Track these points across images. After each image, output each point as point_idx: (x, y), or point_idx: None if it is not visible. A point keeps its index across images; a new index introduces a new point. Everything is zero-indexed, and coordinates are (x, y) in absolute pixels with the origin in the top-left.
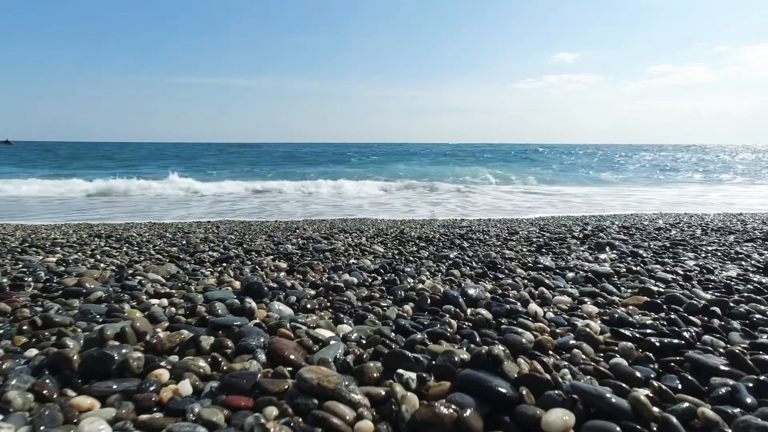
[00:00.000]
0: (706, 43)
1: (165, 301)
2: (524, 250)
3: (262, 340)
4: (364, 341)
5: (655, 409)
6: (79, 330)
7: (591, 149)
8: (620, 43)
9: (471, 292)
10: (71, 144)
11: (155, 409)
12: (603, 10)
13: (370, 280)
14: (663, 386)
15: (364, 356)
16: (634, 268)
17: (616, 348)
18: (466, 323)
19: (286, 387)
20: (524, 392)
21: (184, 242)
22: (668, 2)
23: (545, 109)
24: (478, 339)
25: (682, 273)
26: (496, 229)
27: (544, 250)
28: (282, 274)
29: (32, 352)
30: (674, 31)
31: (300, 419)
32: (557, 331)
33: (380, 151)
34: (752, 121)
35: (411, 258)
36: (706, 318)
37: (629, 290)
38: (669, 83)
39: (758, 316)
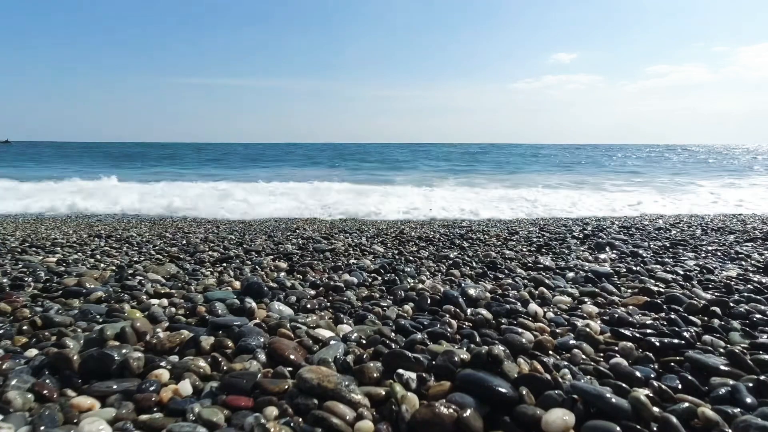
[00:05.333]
0: (704, 44)
1: (165, 301)
2: (524, 250)
3: (262, 340)
4: (364, 341)
5: (655, 409)
6: (79, 330)
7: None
8: (618, 44)
9: (471, 292)
10: (79, 144)
11: (155, 409)
12: (600, 10)
13: (370, 280)
14: (663, 386)
15: (364, 356)
16: (634, 268)
17: (616, 348)
18: (466, 323)
19: (286, 387)
20: (524, 392)
21: (184, 242)
22: (666, 2)
23: (544, 109)
24: (478, 339)
25: (682, 273)
26: (496, 229)
27: (544, 250)
28: (282, 274)
29: (32, 352)
30: (672, 31)
31: (300, 419)
32: (557, 331)
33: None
34: (750, 121)
35: (411, 258)
36: (706, 318)
37: (629, 290)
38: (667, 83)
39: (758, 316)
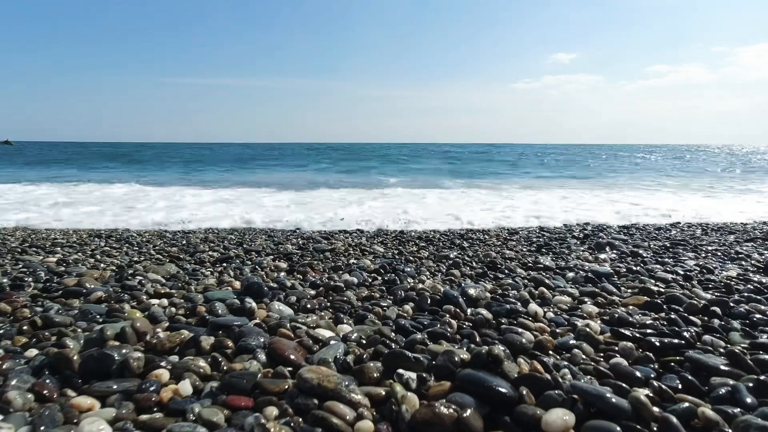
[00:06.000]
0: (703, 44)
1: (165, 301)
2: (524, 250)
3: (262, 340)
4: (364, 341)
5: (655, 409)
6: (79, 330)
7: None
8: (617, 44)
9: (471, 292)
10: (81, 144)
11: (155, 409)
12: (599, 10)
13: (370, 280)
14: (663, 386)
15: (364, 356)
16: (634, 268)
17: (616, 348)
18: (466, 323)
19: (286, 387)
20: (524, 392)
21: (184, 242)
22: (665, 2)
23: (544, 109)
24: (478, 339)
25: (682, 273)
26: (496, 229)
27: (544, 250)
28: (282, 274)
29: (32, 352)
30: (671, 31)
31: (300, 419)
32: (557, 331)
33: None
34: (750, 121)
35: (411, 258)
36: (706, 318)
37: (629, 290)
38: (666, 83)
39: (758, 316)
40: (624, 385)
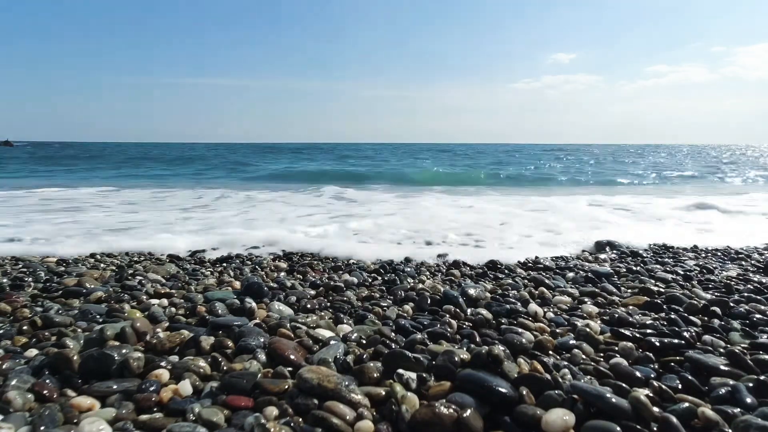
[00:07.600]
0: (702, 44)
1: (165, 301)
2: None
3: (262, 340)
4: (364, 341)
5: (655, 409)
6: (79, 330)
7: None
8: (616, 44)
9: (471, 292)
10: (82, 144)
11: (155, 409)
12: (599, 10)
13: (370, 280)
14: (663, 386)
15: (364, 356)
16: (634, 268)
17: (616, 348)
18: (466, 323)
19: (286, 387)
20: (524, 392)
21: None
22: (664, 2)
23: (543, 109)
24: (478, 339)
25: (682, 273)
26: None
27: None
28: (282, 274)
29: (32, 352)
30: (670, 31)
31: (300, 419)
32: (557, 331)
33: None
34: (749, 121)
35: (411, 257)
36: (706, 318)
37: (629, 290)
38: (666, 83)
39: (758, 316)
40: (624, 385)
